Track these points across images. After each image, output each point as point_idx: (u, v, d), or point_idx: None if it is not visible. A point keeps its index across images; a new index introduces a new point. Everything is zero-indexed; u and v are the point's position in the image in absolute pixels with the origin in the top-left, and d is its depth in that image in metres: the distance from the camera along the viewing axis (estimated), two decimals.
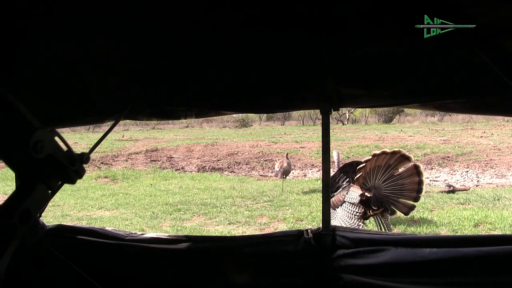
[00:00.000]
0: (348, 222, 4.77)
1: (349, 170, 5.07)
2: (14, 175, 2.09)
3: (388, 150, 4.81)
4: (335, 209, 4.93)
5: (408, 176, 4.73)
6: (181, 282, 1.99)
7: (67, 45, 1.68)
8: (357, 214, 4.80)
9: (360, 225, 4.77)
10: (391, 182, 4.74)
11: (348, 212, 4.82)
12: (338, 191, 4.97)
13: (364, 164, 4.80)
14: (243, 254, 1.97)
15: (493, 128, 20.37)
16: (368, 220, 5.14)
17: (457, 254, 1.74)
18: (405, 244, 1.82)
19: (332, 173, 5.28)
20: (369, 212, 4.79)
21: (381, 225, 4.96)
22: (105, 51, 1.79)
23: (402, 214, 5.00)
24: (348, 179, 5.01)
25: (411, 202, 4.77)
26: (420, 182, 4.70)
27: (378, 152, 4.84)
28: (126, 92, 2.13)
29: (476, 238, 1.94)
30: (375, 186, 4.77)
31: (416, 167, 4.75)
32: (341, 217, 4.85)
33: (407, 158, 4.74)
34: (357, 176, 4.86)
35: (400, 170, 4.77)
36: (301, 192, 8.62)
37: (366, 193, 4.76)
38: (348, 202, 4.82)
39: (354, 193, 4.82)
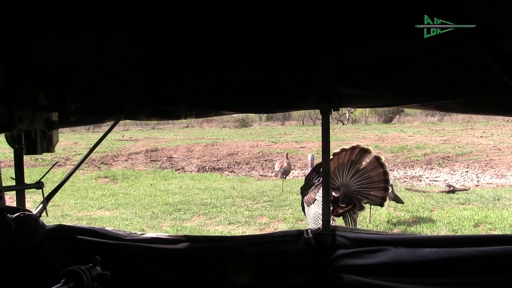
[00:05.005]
0: (320, 219, 4.81)
1: (319, 169, 5.12)
2: (14, 175, 2.10)
3: (346, 147, 4.86)
4: (309, 206, 4.98)
5: (373, 169, 4.81)
6: (181, 282, 1.99)
7: (67, 45, 1.68)
8: None
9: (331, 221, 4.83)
10: (359, 177, 4.84)
11: (320, 209, 4.85)
12: (311, 189, 5.01)
13: None
14: (243, 254, 1.97)
15: (493, 128, 20.36)
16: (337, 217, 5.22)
17: (457, 254, 1.73)
18: (405, 244, 1.82)
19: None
20: (338, 209, 4.84)
21: (350, 222, 5.00)
22: (105, 51, 1.80)
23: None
24: (319, 178, 5.05)
25: (383, 193, 4.80)
26: (385, 173, 4.78)
27: (337, 150, 4.89)
28: (126, 92, 2.13)
29: (476, 238, 1.94)
30: (344, 183, 4.83)
31: (377, 159, 4.83)
32: (314, 214, 4.90)
33: (366, 151, 4.79)
34: None
35: (364, 164, 4.82)
36: None
37: (333, 193, 4.80)
38: (320, 200, 4.85)
39: None
